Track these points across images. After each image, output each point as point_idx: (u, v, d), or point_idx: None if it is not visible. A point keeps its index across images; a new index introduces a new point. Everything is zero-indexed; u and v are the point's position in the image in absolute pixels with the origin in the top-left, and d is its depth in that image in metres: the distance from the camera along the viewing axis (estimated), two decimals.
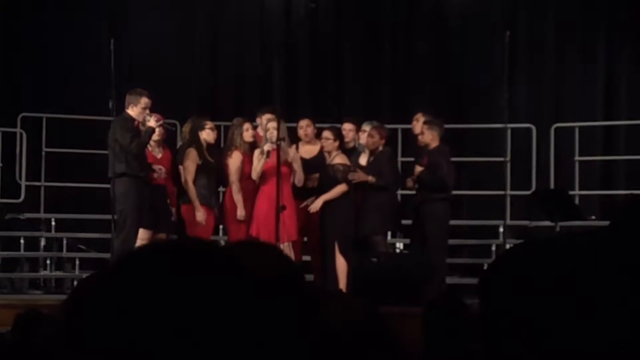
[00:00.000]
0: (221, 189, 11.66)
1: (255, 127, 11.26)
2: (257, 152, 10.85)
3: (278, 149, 10.54)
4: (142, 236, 10.84)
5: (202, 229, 10.76)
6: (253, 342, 1.37)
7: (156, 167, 11.02)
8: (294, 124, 11.47)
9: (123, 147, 10.44)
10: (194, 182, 10.81)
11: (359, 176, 10.95)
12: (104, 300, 1.34)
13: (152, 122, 10.62)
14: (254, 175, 10.81)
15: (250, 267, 1.51)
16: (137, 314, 1.32)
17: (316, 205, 10.85)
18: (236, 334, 1.35)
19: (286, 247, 10.64)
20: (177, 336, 1.31)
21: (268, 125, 10.71)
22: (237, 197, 10.87)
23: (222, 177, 11.18)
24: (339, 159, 11.02)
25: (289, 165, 10.84)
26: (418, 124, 11.39)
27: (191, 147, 10.90)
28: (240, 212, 10.81)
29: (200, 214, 10.74)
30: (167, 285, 1.33)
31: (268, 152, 10.57)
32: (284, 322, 1.67)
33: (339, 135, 11.16)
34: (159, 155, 11.13)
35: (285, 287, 1.76)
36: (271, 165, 10.60)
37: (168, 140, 11.75)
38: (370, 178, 10.94)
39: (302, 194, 11.05)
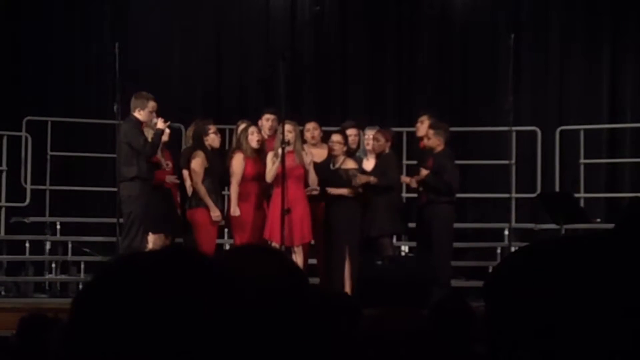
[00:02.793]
0: (225, 192, 11.66)
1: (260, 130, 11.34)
2: (270, 154, 10.89)
3: (284, 151, 10.56)
4: (152, 240, 10.89)
5: (208, 232, 10.79)
6: (254, 352, 1.36)
7: (164, 162, 11.06)
8: (300, 127, 11.47)
9: (138, 150, 10.49)
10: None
11: (360, 178, 10.96)
12: (105, 306, 1.34)
13: (160, 123, 10.67)
14: (268, 178, 10.85)
15: (251, 274, 1.50)
16: (139, 321, 1.32)
17: (333, 191, 10.86)
18: (237, 345, 1.34)
19: (298, 250, 10.69)
20: (178, 348, 1.31)
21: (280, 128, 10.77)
22: (233, 197, 10.93)
23: (225, 179, 11.22)
24: (351, 163, 11.06)
25: (302, 167, 10.88)
26: (423, 126, 11.37)
27: (198, 151, 10.92)
28: (233, 210, 10.85)
29: (216, 213, 10.77)
30: (168, 295, 1.33)
31: (282, 156, 10.60)
32: (286, 329, 1.67)
33: (346, 140, 11.21)
34: (166, 163, 11.19)
35: (288, 294, 1.76)
36: (285, 167, 10.64)
37: (172, 144, 11.77)
38: (372, 179, 10.95)
39: (310, 198, 11.08)
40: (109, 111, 11.06)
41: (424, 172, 11.13)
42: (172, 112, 11.93)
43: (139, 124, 10.67)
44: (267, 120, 11.30)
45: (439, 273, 10.67)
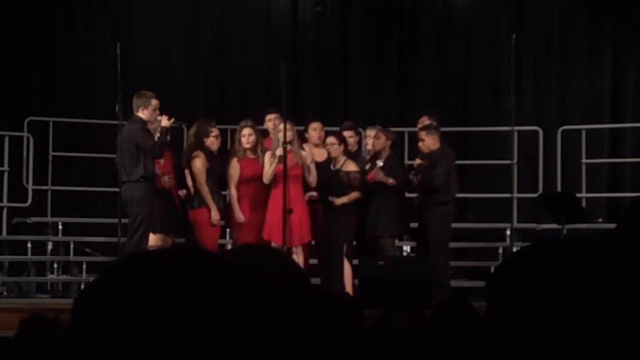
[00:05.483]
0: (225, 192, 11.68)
1: (262, 130, 11.33)
2: (267, 155, 10.87)
3: (285, 151, 10.56)
4: (153, 239, 10.88)
5: (210, 232, 10.78)
6: (257, 352, 1.36)
7: (165, 176, 11.00)
8: (300, 127, 11.47)
9: (146, 152, 10.45)
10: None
11: (381, 176, 10.93)
12: (106, 305, 1.34)
13: (164, 121, 10.64)
14: (266, 179, 10.84)
15: (253, 274, 1.50)
16: (140, 321, 1.32)
17: (338, 202, 10.83)
18: (240, 345, 1.34)
19: (298, 250, 10.69)
20: (183, 347, 1.31)
21: (279, 127, 10.73)
22: (233, 202, 10.94)
23: (224, 180, 11.21)
24: (351, 165, 11.04)
25: (300, 167, 10.86)
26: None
27: (198, 151, 10.90)
28: (238, 216, 10.85)
29: (216, 215, 10.75)
30: (177, 294, 1.33)
31: (280, 157, 10.59)
32: (290, 329, 1.67)
33: (342, 140, 11.18)
34: (162, 160, 11.09)
35: (290, 294, 1.76)
36: (282, 168, 10.62)
37: (174, 144, 11.75)
38: (391, 181, 10.94)
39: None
40: (110, 111, 11.06)
41: (418, 161, 11.22)
42: (175, 112, 11.92)
43: (144, 123, 10.64)
44: (269, 121, 11.28)
45: (437, 274, 10.67)
